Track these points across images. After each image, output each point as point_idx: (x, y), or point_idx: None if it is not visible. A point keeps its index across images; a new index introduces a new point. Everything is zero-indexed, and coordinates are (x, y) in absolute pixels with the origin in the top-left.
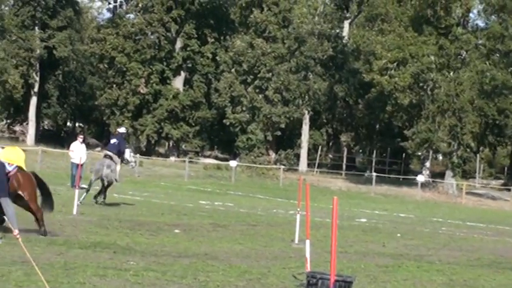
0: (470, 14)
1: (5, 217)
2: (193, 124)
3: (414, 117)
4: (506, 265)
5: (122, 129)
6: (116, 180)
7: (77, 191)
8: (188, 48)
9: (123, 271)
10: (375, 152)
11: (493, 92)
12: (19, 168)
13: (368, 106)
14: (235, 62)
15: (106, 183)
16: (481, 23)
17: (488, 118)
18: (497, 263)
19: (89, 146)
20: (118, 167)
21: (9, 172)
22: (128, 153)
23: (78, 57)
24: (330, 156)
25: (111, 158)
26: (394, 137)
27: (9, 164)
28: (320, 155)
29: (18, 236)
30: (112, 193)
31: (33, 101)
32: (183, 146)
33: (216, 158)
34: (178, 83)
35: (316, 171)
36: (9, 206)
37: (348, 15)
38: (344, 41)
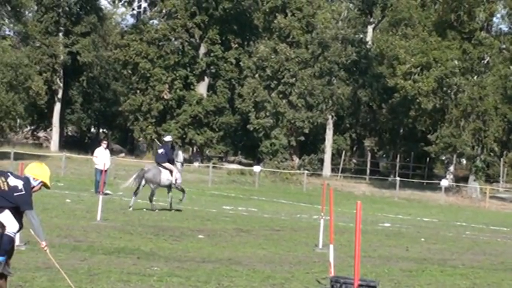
0: (494, 19)
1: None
2: (217, 129)
3: (438, 121)
4: None
5: (168, 138)
6: (175, 184)
7: (100, 197)
8: (212, 54)
9: (147, 276)
10: (398, 156)
11: None
12: (44, 184)
13: (392, 111)
14: (258, 67)
15: (153, 187)
16: (504, 28)
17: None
18: None
19: (112, 152)
20: (175, 172)
21: (34, 187)
22: (181, 156)
23: (101, 63)
24: (354, 161)
25: (164, 167)
26: (418, 142)
27: (34, 178)
28: (344, 160)
29: (46, 248)
30: (136, 199)
31: (57, 107)
32: (207, 152)
33: (240, 163)
34: (202, 88)
35: (340, 176)
36: (34, 218)
37: (371, 20)
38: (368, 46)
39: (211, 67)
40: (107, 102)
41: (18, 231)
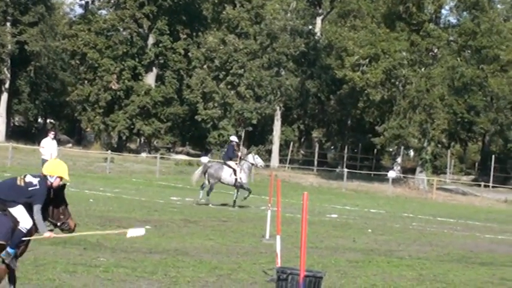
0: (442, 11)
1: None
2: (165, 120)
3: (386, 113)
4: (476, 260)
5: (232, 138)
6: (239, 182)
7: None
8: (160, 45)
9: (93, 267)
10: (346, 147)
11: (464, 88)
12: (61, 178)
13: (340, 102)
14: (207, 58)
15: (210, 181)
16: (453, 20)
17: (458, 116)
18: (466, 258)
19: (60, 142)
20: (238, 170)
21: (52, 183)
22: (251, 157)
23: (49, 53)
24: (302, 152)
25: (228, 166)
26: (366, 133)
27: (50, 175)
28: (292, 151)
29: (52, 236)
30: (83, 189)
31: (4, 97)
32: (155, 142)
33: (188, 154)
34: (150, 79)
35: (288, 167)
36: (38, 213)
37: (320, 11)
38: (316, 37)
39: (160, 58)
40: (55, 92)
41: (30, 228)
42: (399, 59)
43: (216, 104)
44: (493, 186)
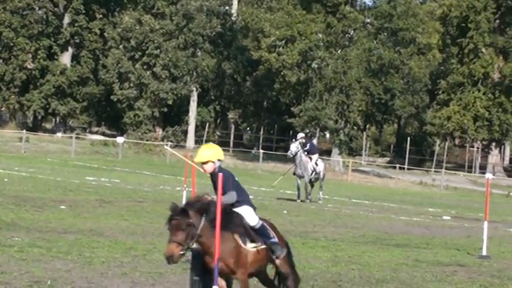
0: None
1: None
2: (81, 100)
3: (302, 94)
4: (390, 241)
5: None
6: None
7: None
8: (76, 24)
9: (8, 247)
10: (262, 129)
11: (380, 70)
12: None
13: (256, 83)
14: (123, 38)
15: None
16: (369, 2)
17: (375, 97)
18: (381, 240)
19: None
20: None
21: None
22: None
23: None
24: (218, 133)
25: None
26: (282, 114)
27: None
28: (208, 132)
29: None
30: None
31: None
32: (70, 122)
33: (103, 134)
34: (65, 58)
35: None
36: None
37: None
38: (233, 18)
39: (75, 37)
40: None
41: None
42: (315, 40)
43: (131, 84)
44: (408, 169)
